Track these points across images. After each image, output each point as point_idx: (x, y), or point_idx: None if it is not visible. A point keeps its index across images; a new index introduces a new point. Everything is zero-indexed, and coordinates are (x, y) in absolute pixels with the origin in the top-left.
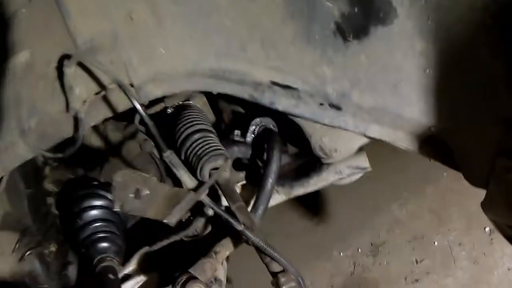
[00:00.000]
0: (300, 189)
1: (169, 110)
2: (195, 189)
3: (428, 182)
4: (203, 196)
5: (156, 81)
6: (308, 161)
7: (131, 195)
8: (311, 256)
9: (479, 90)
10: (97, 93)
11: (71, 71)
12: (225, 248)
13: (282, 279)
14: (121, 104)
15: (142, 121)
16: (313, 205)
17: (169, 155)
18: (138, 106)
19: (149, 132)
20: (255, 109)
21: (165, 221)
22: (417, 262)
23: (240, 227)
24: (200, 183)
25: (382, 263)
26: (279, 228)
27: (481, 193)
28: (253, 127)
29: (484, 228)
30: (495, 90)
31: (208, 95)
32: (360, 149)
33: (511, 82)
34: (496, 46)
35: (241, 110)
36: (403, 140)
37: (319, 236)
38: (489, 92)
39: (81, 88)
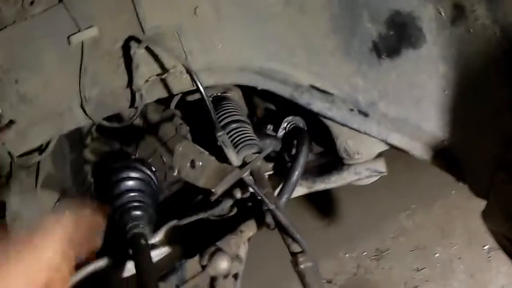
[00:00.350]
0: (321, 185)
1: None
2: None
3: (437, 197)
4: (246, 174)
5: (211, 70)
6: (331, 160)
7: (188, 164)
8: (318, 253)
9: (487, 111)
10: (158, 75)
11: (140, 52)
12: (250, 228)
13: (301, 259)
14: (176, 86)
15: (178, 106)
16: (326, 207)
17: (223, 136)
18: (202, 89)
19: (186, 117)
20: (287, 108)
21: (213, 190)
22: (417, 270)
23: (272, 206)
24: (243, 164)
25: (384, 267)
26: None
27: None
28: (285, 123)
29: (483, 246)
30: (500, 112)
31: (246, 90)
32: (379, 155)
33: None
34: (504, 76)
35: (273, 107)
36: (418, 150)
37: (328, 236)
38: (495, 114)
39: (145, 68)
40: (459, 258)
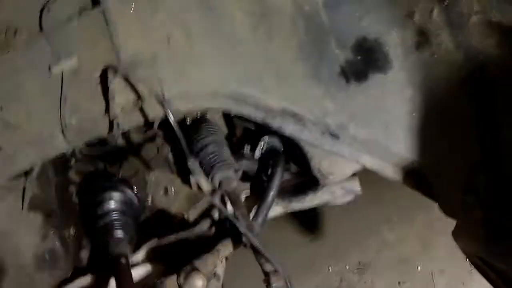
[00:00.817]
0: (297, 204)
1: (188, 121)
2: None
3: (419, 210)
4: (217, 200)
5: (184, 98)
6: (307, 180)
7: (161, 192)
8: (301, 268)
9: (455, 134)
10: (133, 103)
11: (116, 81)
12: (226, 247)
13: (273, 278)
14: (152, 113)
15: (161, 127)
16: (309, 222)
17: (192, 163)
18: (171, 118)
19: (167, 137)
20: (265, 128)
21: (185, 216)
22: (399, 283)
23: (243, 229)
24: (214, 189)
25: (367, 281)
26: (276, 240)
27: None
28: (262, 144)
29: (466, 258)
30: (467, 134)
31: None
32: (354, 175)
33: (479, 126)
34: (470, 95)
35: (251, 127)
36: (389, 171)
37: (312, 250)
38: (462, 135)
39: (121, 96)
40: (442, 271)
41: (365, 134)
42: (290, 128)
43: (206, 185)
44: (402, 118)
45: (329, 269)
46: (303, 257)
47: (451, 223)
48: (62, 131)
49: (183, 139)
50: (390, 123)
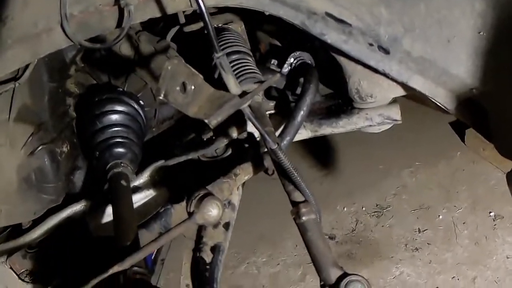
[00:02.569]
0: (328, 129)
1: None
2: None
3: (441, 158)
4: (247, 104)
5: None
6: (340, 103)
7: (178, 88)
8: None
9: None
10: None
11: None
12: (245, 172)
13: (303, 210)
14: (171, 5)
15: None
16: (325, 157)
17: (221, 57)
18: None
19: (181, 50)
20: (293, 44)
21: (206, 120)
22: (419, 231)
23: (274, 145)
24: (243, 94)
25: (384, 225)
26: None
27: (492, 178)
28: (292, 59)
29: (489, 213)
30: None
31: (250, 23)
32: (394, 101)
33: None
34: None
35: (278, 43)
36: (442, 97)
37: (326, 188)
38: None
39: None
40: (463, 223)
41: (421, 50)
42: (333, 36)
43: (235, 87)
44: (468, 36)
45: (344, 209)
46: (317, 195)
47: (475, 174)
48: (61, 24)
49: (212, 27)
50: (452, 39)
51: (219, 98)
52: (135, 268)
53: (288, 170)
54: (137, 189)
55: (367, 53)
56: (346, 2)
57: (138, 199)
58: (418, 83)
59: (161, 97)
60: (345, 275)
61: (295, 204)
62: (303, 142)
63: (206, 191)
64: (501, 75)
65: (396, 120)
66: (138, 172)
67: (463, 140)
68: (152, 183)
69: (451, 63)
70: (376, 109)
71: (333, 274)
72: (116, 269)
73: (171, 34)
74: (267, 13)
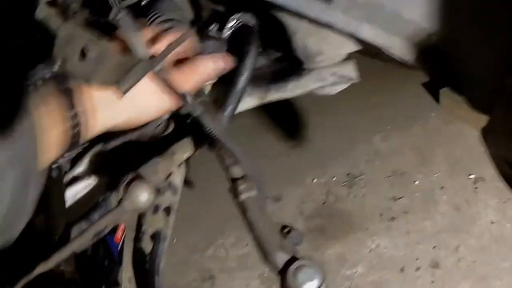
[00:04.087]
0: (276, 94)
1: (143, 1)
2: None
3: (415, 120)
4: (158, 67)
5: None
6: (289, 66)
7: (77, 55)
8: (283, 179)
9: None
10: None
11: None
12: (183, 149)
13: (241, 186)
14: None
15: None
16: (290, 130)
17: (120, 12)
18: None
19: None
20: (237, 9)
21: (116, 86)
22: (394, 199)
23: (197, 111)
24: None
25: (357, 195)
26: (254, 148)
27: (470, 138)
28: (232, 22)
29: (469, 175)
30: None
31: None
32: (348, 58)
33: None
34: None
35: (221, 9)
36: (398, 47)
37: (294, 160)
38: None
39: None
40: (442, 188)
41: None
42: None
43: (142, 49)
44: None
45: (313, 181)
46: (284, 168)
47: (451, 136)
48: None
49: None
50: None
51: (126, 63)
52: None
53: (220, 140)
54: (76, 179)
55: (306, 4)
56: None
57: (80, 189)
58: (369, 33)
59: (56, 68)
60: (293, 259)
61: (232, 181)
62: (266, 114)
63: (134, 175)
64: (464, 16)
65: (351, 78)
66: (77, 159)
67: (437, 100)
68: (92, 170)
69: (402, 6)
70: (328, 68)
71: (280, 259)
72: (41, 269)
73: None
74: None
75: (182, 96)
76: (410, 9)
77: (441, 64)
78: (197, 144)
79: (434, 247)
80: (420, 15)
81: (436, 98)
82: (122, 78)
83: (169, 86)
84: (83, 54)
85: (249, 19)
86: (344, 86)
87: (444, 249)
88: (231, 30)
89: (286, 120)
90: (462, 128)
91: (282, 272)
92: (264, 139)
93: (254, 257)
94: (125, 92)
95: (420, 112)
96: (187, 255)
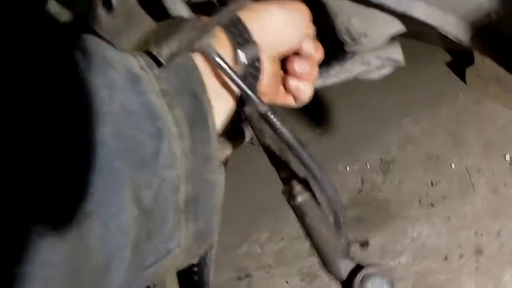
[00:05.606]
0: (318, 81)
1: None
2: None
3: (443, 101)
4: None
5: None
6: (330, 48)
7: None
8: None
9: None
10: None
11: None
12: (222, 148)
13: (297, 188)
14: None
15: None
16: (316, 115)
17: None
18: None
19: None
20: None
21: (154, 52)
22: (432, 184)
23: (265, 109)
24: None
25: (393, 182)
26: None
27: (501, 118)
28: None
29: (504, 155)
30: None
31: None
32: (393, 40)
33: None
34: None
35: None
36: (453, 26)
37: (323, 148)
38: None
39: None
40: (479, 171)
41: None
42: None
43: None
44: None
45: (347, 169)
46: (315, 156)
47: (481, 115)
48: None
49: None
50: None
51: (167, 25)
52: None
53: (285, 139)
54: None
55: None
56: None
57: None
58: (422, 12)
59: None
60: (358, 268)
61: (286, 182)
62: None
63: None
64: None
65: (398, 61)
66: None
67: (464, 80)
68: None
69: None
70: (373, 51)
71: (344, 268)
72: None
73: None
74: None
75: (247, 93)
76: None
77: (499, 43)
78: (235, 141)
79: (476, 233)
80: None
81: (462, 77)
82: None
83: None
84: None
85: None
86: (389, 70)
87: (486, 235)
88: None
89: (312, 106)
90: (492, 107)
91: (348, 282)
92: (290, 127)
93: (291, 251)
94: (166, 57)
95: (448, 93)
96: (220, 254)
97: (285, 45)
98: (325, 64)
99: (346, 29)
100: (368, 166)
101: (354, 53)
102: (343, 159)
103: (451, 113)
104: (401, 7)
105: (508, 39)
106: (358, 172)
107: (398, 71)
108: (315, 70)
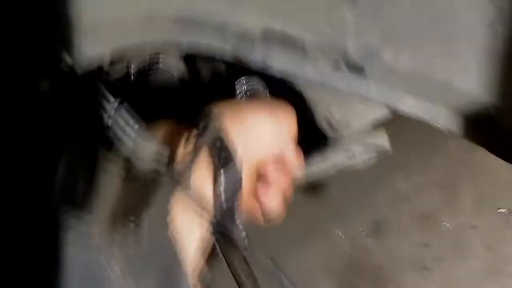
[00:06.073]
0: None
1: (131, 72)
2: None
3: (434, 153)
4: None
5: (98, 31)
6: (310, 138)
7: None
8: (304, 234)
9: None
10: None
11: None
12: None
13: None
14: None
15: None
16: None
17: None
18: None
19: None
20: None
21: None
22: (425, 245)
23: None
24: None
25: (386, 244)
26: None
27: (494, 169)
28: (238, 90)
29: (498, 209)
30: None
31: None
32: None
33: None
34: None
35: (222, 69)
36: (445, 119)
37: (314, 211)
38: None
39: None
40: (473, 227)
41: (409, 62)
42: (280, 61)
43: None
44: (477, 32)
45: (338, 232)
46: (305, 219)
47: (475, 168)
48: None
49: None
50: (454, 41)
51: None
52: None
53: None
54: None
55: (333, 75)
56: (291, 8)
57: None
58: (410, 105)
59: None
60: None
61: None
62: None
63: None
64: None
65: (383, 146)
66: None
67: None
68: None
69: (454, 74)
70: (356, 138)
71: None
72: None
73: None
74: (184, 49)
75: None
76: (463, 78)
77: (496, 137)
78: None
79: None
80: (475, 84)
81: None
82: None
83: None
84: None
85: (258, 83)
86: (374, 157)
87: None
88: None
89: None
90: (484, 156)
91: None
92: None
93: None
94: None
95: (438, 142)
96: None
97: (267, 154)
98: (305, 153)
99: (327, 120)
100: (359, 228)
101: (335, 141)
102: (334, 222)
103: (443, 165)
104: (385, 100)
105: (507, 132)
106: (350, 236)
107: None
108: (290, 181)
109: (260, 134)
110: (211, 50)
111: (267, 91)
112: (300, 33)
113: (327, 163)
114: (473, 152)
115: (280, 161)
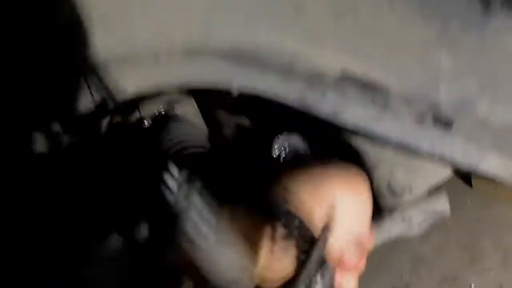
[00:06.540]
0: None
1: (146, 122)
2: None
3: (452, 211)
4: None
5: (129, 64)
6: None
7: None
8: None
9: None
10: None
11: None
12: None
13: None
14: None
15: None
16: None
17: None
18: None
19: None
20: (272, 120)
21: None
22: None
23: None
24: None
25: None
26: None
27: None
28: (277, 150)
29: None
30: None
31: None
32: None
33: None
34: None
35: (248, 123)
36: None
37: None
38: None
39: None
40: (501, 286)
41: (504, 114)
42: (355, 114)
43: None
44: None
45: None
46: None
47: (495, 223)
48: None
49: None
50: None
51: None
52: None
53: None
54: None
55: (415, 132)
56: (378, 48)
57: None
58: (493, 164)
59: None
60: None
61: None
62: None
63: None
64: None
65: (443, 212)
66: None
67: (470, 184)
68: None
69: None
70: (415, 205)
71: None
72: None
73: None
74: (235, 91)
75: None
76: None
77: None
78: None
79: None
80: None
81: (468, 182)
82: None
83: None
84: None
85: (299, 142)
86: (432, 223)
87: None
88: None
89: None
90: (504, 210)
91: None
92: None
93: None
94: None
95: (455, 200)
96: None
97: (349, 240)
98: None
99: (387, 183)
100: None
101: (392, 210)
102: None
103: (461, 225)
104: (468, 161)
105: None
106: None
107: None
108: (365, 261)
109: (344, 216)
110: (270, 95)
111: (308, 151)
112: (385, 78)
113: (382, 234)
114: (491, 207)
115: (358, 244)
